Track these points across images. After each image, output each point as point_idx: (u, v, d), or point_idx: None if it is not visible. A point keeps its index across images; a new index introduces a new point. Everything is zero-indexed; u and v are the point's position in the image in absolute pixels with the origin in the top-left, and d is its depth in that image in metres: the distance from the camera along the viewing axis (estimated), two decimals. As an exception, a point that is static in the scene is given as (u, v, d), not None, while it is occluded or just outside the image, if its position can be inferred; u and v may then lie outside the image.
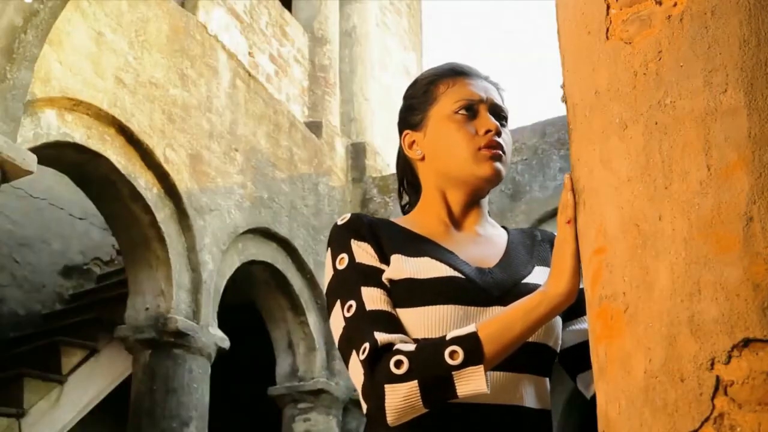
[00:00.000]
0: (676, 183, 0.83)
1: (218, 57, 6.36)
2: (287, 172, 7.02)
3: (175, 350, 5.45)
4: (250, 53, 7.70)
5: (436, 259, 1.21)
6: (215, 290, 5.90)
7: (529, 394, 1.18)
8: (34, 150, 4.53)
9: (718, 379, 0.76)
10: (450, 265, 1.20)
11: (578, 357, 1.23)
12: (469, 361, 1.05)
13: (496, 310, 1.15)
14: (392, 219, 1.33)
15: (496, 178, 1.26)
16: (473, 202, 1.32)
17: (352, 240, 1.23)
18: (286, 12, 8.59)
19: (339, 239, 1.24)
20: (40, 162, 4.56)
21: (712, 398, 0.76)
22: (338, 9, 9.11)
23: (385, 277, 1.19)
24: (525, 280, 1.23)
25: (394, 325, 1.15)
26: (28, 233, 7.74)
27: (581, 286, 1.07)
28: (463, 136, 1.27)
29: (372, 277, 1.19)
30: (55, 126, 4.89)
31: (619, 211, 0.88)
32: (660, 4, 0.88)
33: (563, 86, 1.04)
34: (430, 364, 1.06)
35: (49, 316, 7.39)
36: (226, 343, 5.84)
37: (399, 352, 1.09)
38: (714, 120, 0.82)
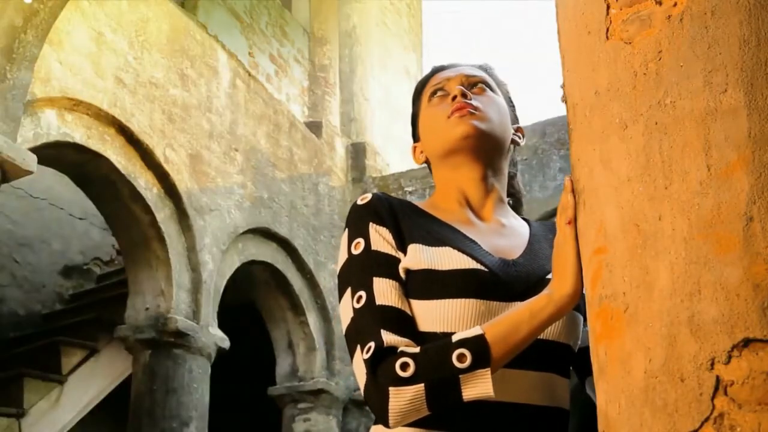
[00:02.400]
0: (676, 183, 0.83)
1: (218, 57, 6.36)
2: (287, 172, 7.02)
3: (175, 350, 5.45)
4: (250, 53, 7.71)
5: (458, 249, 1.17)
6: (215, 290, 5.90)
7: (549, 392, 1.16)
8: (34, 150, 4.53)
9: (718, 379, 0.76)
10: (472, 257, 1.16)
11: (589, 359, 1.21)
12: (477, 364, 1.03)
13: (517, 306, 1.12)
14: (415, 202, 1.29)
15: (474, 131, 1.25)
16: (485, 182, 1.28)
17: (371, 224, 1.19)
18: (286, 12, 8.59)
19: (357, 221, 1.21)
20: (40, 162, 4.56)
21: (712, 398, 0.76)
22: (338, 9, 9.11)
23: (401, 267, 1.16)
24: (549, 276, 1.18)
25: (402, 322, 1.12)
26: (28, 233, 7.74)
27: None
28: (436, 113, 1.30)
29: (386, 267, 1.16)
30: (55, 126, 4.89)
31: (619, 211, 0.88)
32: (660, 4, 0.88)
33: (563, 86, 1.04)
34: (437, 367, 1.04)
35: (49, 316, 7.39)
36: (226, 343, 5.84)
37: (405, 354, 1.06)
38: (714, 120, 0.82)
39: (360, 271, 1.17)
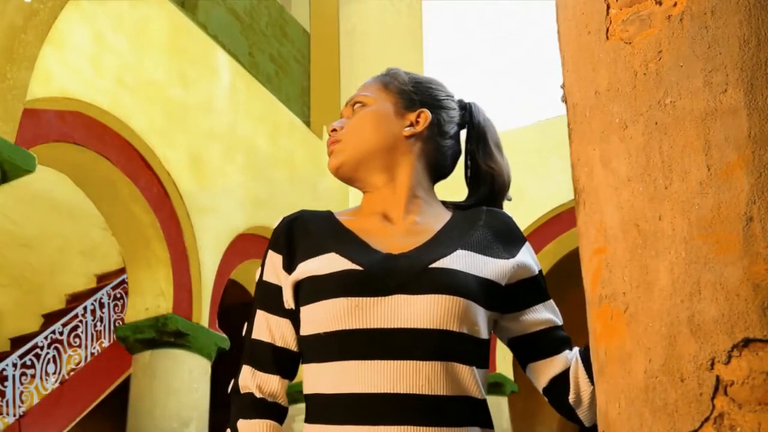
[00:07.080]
0: (676, 183, 0.83)
1: (218, 57, 6.36)
2: (287, 172, 7.02)
3: (175, 350, 5.46)
4: (250, 53, 7.70)
5: (340, 253, 1.20)
6: (215, 290, 5.90)
7: (441, 382, 1.13)
8: (34, 150, 4.53)
9: (718, 379, 0.76)
10: (349, 258, 1.19)
11: (527, 347, 1.23)
12: None
13: (397, 299, 1.14)
14: (340, 211, 1.32)
15: (333, 169, 1.31)
16: (389, 187, 1.29)
17: (269, 251, 1.26)
18: (286, 12, 8.59)
19: (267, 247, 1.28)
20: (40, 162, 4.57)
21: (712, 398, 0.76)
22: (338, 9, 9.11)
23: (291, 281, 1.21)
24: (435, 264, 1.17)
25: (267, 359, 1.22)
26: (28, 233, 7.74)
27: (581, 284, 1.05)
28: None
29: (270, 298, 1.24)
30: (55, 126, 4.89)
31: (619, 211, 0.88)
32: (660, 4, 0.88)
33: (563, 86, 1.04)
34: None
35: (49, 316, 7.39)
36: (226, 343, 5.84)
37: (241, 417, 1.21)
38: (714, 120, 0.82)
39: (253, 300, 1.26)
